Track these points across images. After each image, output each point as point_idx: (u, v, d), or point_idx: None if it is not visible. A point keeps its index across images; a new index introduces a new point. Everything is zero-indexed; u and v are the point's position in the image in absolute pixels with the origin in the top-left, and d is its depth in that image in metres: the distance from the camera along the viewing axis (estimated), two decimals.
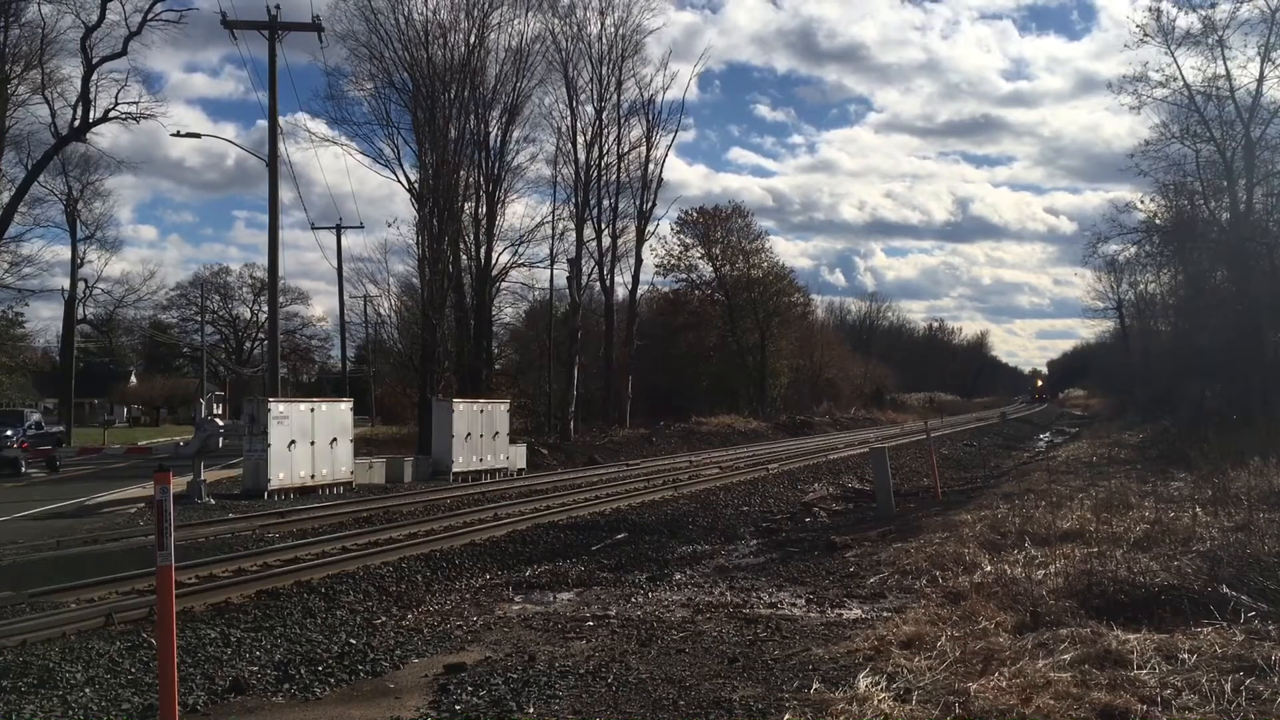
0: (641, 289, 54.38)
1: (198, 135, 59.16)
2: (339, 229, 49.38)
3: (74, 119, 38.41)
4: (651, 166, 49.06)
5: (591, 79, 46.33)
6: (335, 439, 24.77)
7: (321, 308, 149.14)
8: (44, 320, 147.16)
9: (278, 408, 23.40)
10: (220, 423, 23.39)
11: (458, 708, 7.03)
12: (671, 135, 63.13)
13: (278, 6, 28.56)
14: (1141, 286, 61.06)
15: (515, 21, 41.05)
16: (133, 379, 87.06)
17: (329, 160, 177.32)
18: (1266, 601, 8.53)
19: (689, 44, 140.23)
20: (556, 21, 44.09)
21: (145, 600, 10.02)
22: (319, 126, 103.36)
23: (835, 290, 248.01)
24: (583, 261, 45.90)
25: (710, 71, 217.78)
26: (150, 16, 37.43)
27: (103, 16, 37.25)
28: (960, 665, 7.35)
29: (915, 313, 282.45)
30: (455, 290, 39.55)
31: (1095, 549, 11.36)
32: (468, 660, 8.33)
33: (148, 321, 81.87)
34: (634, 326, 51.57)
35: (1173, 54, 32.78)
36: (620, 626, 9.65)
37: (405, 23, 37.53)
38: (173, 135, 72.77)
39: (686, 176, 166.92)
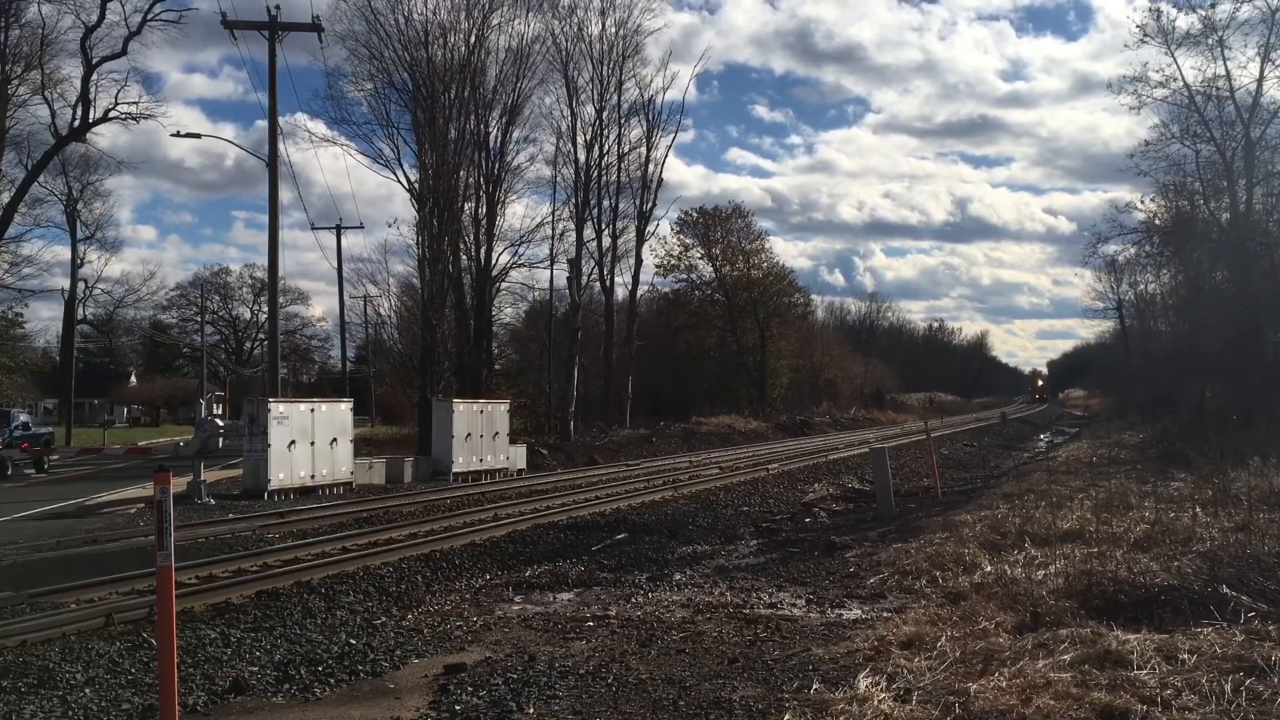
0: (641, 289, 54.49)
1: (198, 135, 59.25)
2: (339, 229, 49.44)
3: (74, 119, 38.40)
4: (651, 167, 49.16)
5: (591, 79, 46.42)
6: (335, 439, 24.77)
7: (321, 308, 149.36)
8: (44, 320, 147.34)
9: (278, 408, 23.40)
10: (220, 423, 23.40)
11: (458, 708, 7.03)
12: (671, 136, 63.28)
13: (278, 7, 28.59)
14: (1141, 287, 61.09)
15: (515, 22, 41.09)
16: (133, 379, 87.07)
17: (328, 161, 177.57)
18: (1266, 601, 8.53)
19: (686, 45, 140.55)
20: (557, 23, 44.20)
21: (145, 600, 10.01)
22: (318, 127, 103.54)
23: (834, 290, 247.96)
24: (583, 262, 45.94)
25: (708, 72, 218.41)
26: (150, 17, 37.37)
27: (102, 17, 37.24)
28: (960, 665, 7.35)
29: (915, 313, 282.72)
30: (455, 290, 39.53)
31: (1095, 549, 11.35)
32: (468, 660, 8.33)
33: (148, 322, 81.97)
34: (634, 326, 51.57)
35: (1173, 54, 32.83)
36: (620, 627, 9.65)
37: (405, 23, 37.57)
38: (173, 135, 72.67)
39: (685, 177, 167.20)
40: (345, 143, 44.80)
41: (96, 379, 78.88)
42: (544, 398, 47.14)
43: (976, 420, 70.32)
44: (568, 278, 45.35)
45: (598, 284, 48.94)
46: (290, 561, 13.24)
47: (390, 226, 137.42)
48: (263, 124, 30.88)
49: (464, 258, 40.14)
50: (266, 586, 11.44)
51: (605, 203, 47.75)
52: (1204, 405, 37.64)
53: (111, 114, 38.19)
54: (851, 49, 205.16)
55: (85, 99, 37.90)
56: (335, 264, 50.52)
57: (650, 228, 50.88)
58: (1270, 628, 7.83)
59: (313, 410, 24.54)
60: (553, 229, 44.15)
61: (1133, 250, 42.34)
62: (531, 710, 6.96)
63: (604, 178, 47.24)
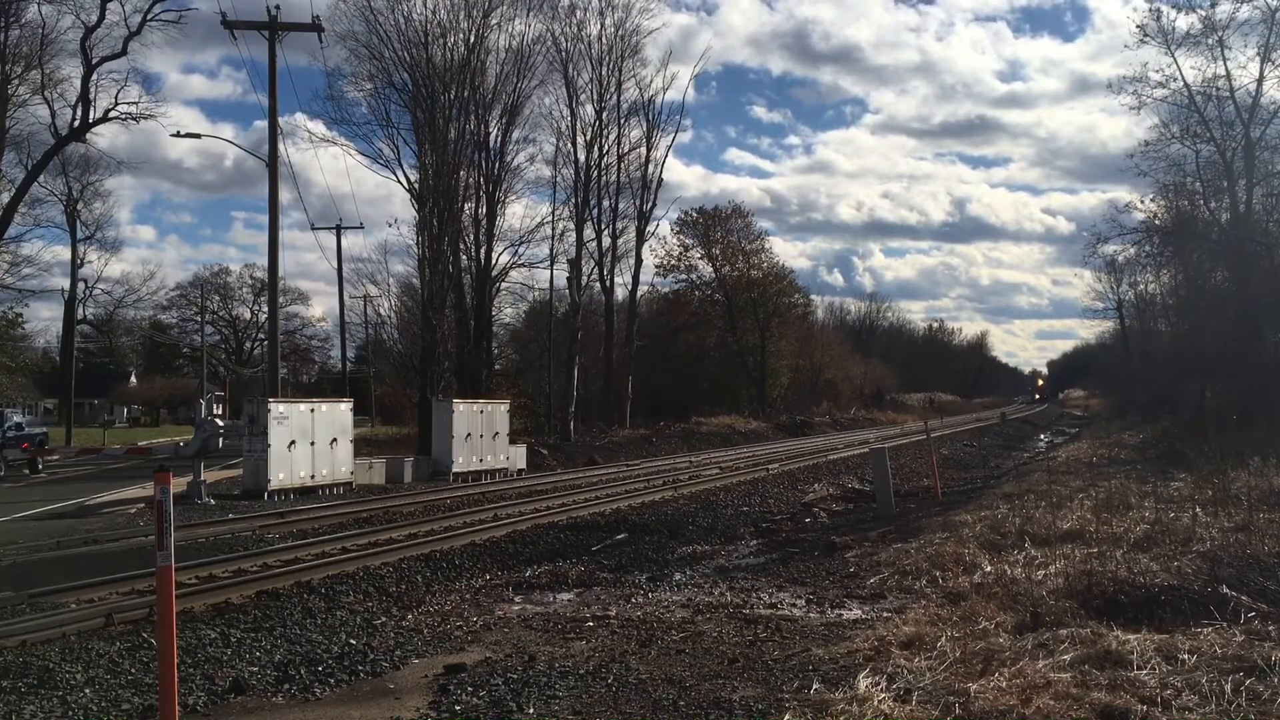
0: (641, 289, 54.48)
1: (198, 135, 59.34)
2: (339, 229, 49.44)
3: (74, 119, 38.41)
4: (651, 167, 49.15)
5: (591, 79, 46.41)
6: (335, 439, 24.77)
7: (321, 308, 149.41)
8: (44, 321, 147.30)
9: (278, 408, 23.40)
10: (220, 423, 23.39)
11: (458, 708, 7.03)
12: (671, 136, 63.23)
13: (278, 7, 28.58)
14: (1141, 287, 61.06)
15: (515, 22, 41.11)
16: (133, 379, 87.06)
17: (327, 161, 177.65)
18: (1266, 601, 8.53)
19: (684, 45, 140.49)
20: (556, 23, 44.19)
21: (145, 600, 10.01)
22: (317, 127, 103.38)
23: (834, 290, 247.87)
24: (583, 262, 45.93)
25: (706, 73, 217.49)
26: (150, 17, 37.42)
27: (102, 17, 37.25)
28: (960, 666, 7.35)
29: (914, 313, 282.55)
30: (455, 290, 39.54)
31: (1095, 549, 11.35)
32: (468, 661, 8.33)
33: (147, 322, 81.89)
34: (634, 327, 51.57)
35: (1173, 54, 32.82)
36: (620, 627, 9.65)
37: (405, 23, 37.60)
38: (173, 135, 72.72)
39: (684, 178, 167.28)
40: (345, 143, 44.90)
41: (96, 379, 78.89)
42: (544, 398, 47.14)
43: (976, 420, 70.31)
44: (568, 278, 45.41)
45: (598, 284, 49.01)
46: (290, 561, 13.25)
47: (390, 226, 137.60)
48: (261, 124, 30.88)
49: (464, 258, 40.19)
50: (266, 586, 11.44)
51: (605, 203, 47.82)
52: (1204, 405, 37.60)
53: (111, 114, 38.25)
54: (849, 50, 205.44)
55: (85, 99, 37.94)
56: (335, 264, 50.61)
57: (650, 228, 50.97)
58: (1270, 628, 7.83)
59: (313, 410, 24.54)
60: (553, 229, 44.24)
61: (1132, 250, 42.37)
62: (531, 710, 6.96)
63: (604, 178, 47.30)
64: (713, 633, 9.27)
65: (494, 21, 39.51)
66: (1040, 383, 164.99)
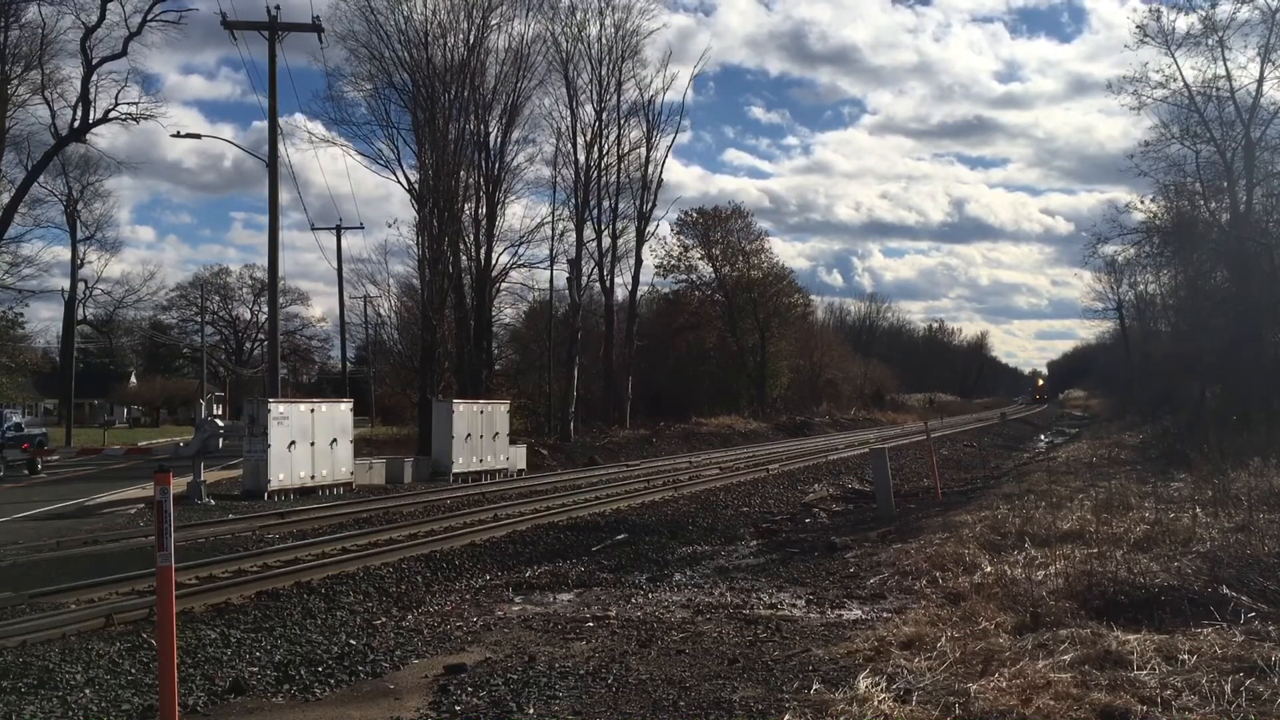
0: (641, 290, 54.46)
1: (198, 136, 59.38)
2: (339, 229, 49.38)
3: (74, 120, 38.39)
4: (651, 167, 49.12)
5: (591, 80, 46.39)
6: (335, 440, 24.76)
7: (321, 308, 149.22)
8: (44, 321, 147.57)
9: (278, 408, 23.39)
10: (220, 423, 23.38)
11: (458, 708, 7.03)
12: (671, 136, 63.20)
13: (278, 7, 28.56)
14: (1141, 287, 61.09)
15: (515, 22, 41.10)
16: (133, 379, 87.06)
17: (327, 161, 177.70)
18: (1266, 602, 8.53)
19: (682, 46, 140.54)
20: (557, 23, 44.18)
21: (145, 601, 10.02)
22: (317, 128, 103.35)
23: (833, 291, 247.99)
24: (583, 262, 45.94)
25: (704, 73, 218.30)
26: (150, 17, 37.41)
27: (102, 17, 37.23)
28: (960, 666, 7.35)
29: (914, 313, 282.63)
30: (455, 291, 39.54)
31: (1095, 550, 11.35)
32: (468, 661, 8.33)
33: (147, 322, 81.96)
34: (634, 327, 51.56)
35: (1173, 54, 32.83)
36: (620, 627, 9.65)
37: (405, 23, 37.60)
38: (173, 136, 72.58)
39: (682, 178, 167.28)
40: (344, 143, 44.92)
41: (96, 379, 78.88)
42: (544, 398, 47.12)
43: (976, 421, 70.30)
44: (568, 278, 45.41)
45: (598, 284, 48.99)
46: (290, 562, 13.24)
47: (390, 227, 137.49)
48: (260, 125, 30.88)
49: (464, 258, 40.19)
50: (266, 587, 11.44)
51: (605, 203, 47.79)
52: (1204, 406, 37.60)
53: (111, 114, 38.23)
54: (846, 50, 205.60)
55: (85, 99, 37.93)
56: (335, 264, 50.57)
57: (650, 228, 50.94)
58: (1270, 628, 7.83)
59: (313, 411, 24.54)
60: (552, 229, 44.23)
61: (1132, 251, 42.39)
62: (531, 711, 6.96)
63: (604, 178, 47.27)
64: (713, 633, 9.27)
65: (494, 22, 39.56)
66: (1040, 383, 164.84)
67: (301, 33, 30.08)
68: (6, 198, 39.68)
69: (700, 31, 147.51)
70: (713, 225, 67.99)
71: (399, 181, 38.86)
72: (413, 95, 38.08)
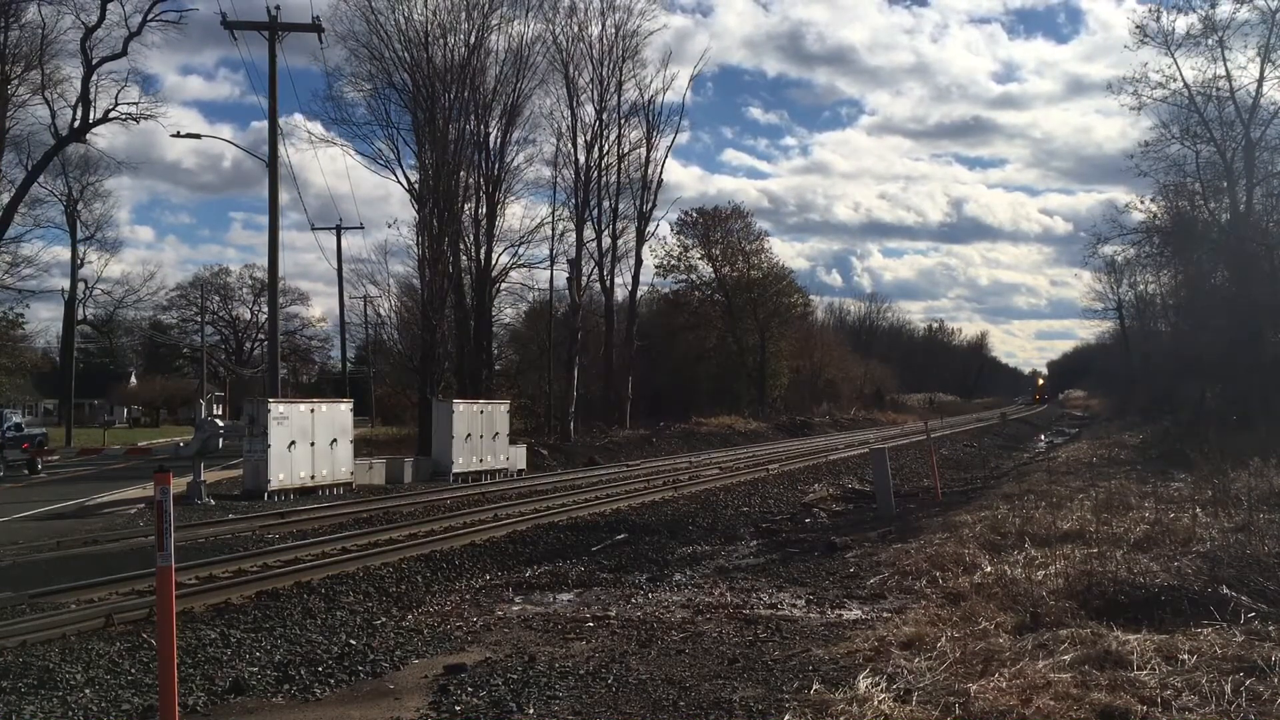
0: (641, 290, 54.48)
1: (198, 136, 59.49)
2: (339, 229, 49.39)
3: (74, 120, 38.45)
4: (651, 168, 49.17)
5: (591, 80, 46.43)
6: (335, 440, 24.76)
7: (321, 308, 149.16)
8: (44, 321, 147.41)
9: (278, 408, 23.39)
10: (220, 423, 23.39)
11: (458, 708, 7.03)
12: (671, 137, 63.16)
13: (278, 7, 28.57)
14: (1141, 287, 61.19)
15: (515, 22, 41.12)
16: (133, 380, 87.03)
17: (326, 162, 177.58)
18: (1266, 602, 8.53)
19: (680, 47, 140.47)
20: (557, 23, 44.20)
21: (145, 601, 10.01)
22: (316, 128, 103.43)
23: (832, 291, 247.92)
24: (583, 262, 45.95)
25: (702, 74, 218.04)
26: (150, 17, 37.46)
27: (102, 17, 37.28)
28: (960, 666, 7.35)
29: (913, 313, 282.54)
30: (455, 291, 39.54)
31: (1095, 550, 11.35)
32: (468, 661, 8.33)
33: (147, 322, 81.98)
34: (634, 327, 51.56)
35: (1173, 55, 32.90)
36: (620, 627, 9.65)
37: (405, 23, 37.60)
38: (173, 136, 72.62)
39: (681, 178, 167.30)
40: (343, 143, 44.98)
41: (96, 379, 78.84)
42: (544, 398, 47.13)
43: (976, 421, 70.32)
44: (568, 278, 45.39)
45: (598, 284, 49.04)
46: (290, 562, 13.24)
47: (390, 227, 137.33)
48: (259, 125, 30.88)
49: (464, 258, 40.21)
50: (266, 587, 11.44)
51: (605, 203, 47.84)
52: (1204, 405, 37.60)
53: (111, 114, 38.30)
54: (843, 51, 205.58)
55: (85, 99, 37.98)
56: (335, 264, 50.55)
57: (650, 228, 50.98)
58: (1270, 628, 7.83)
59: (313, 411, 24.53)
60: (552, 229, 44.25)
61: (1132, 251, 42.44)
62: (531, 711, 6.96)
63: (604, 178, 47.30)
64: (713, 633, 9.27)
65: (494, 22, 39.60)
66: (1040, 383, 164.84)
67: (301, 33, 30.10)
68: (6, 198, 39.76)
69: (698, 32, 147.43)
70: (712, 225, 68.01)
71: (399, 181, 38.96)
72: (413, 95, 38.12)
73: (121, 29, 37.56)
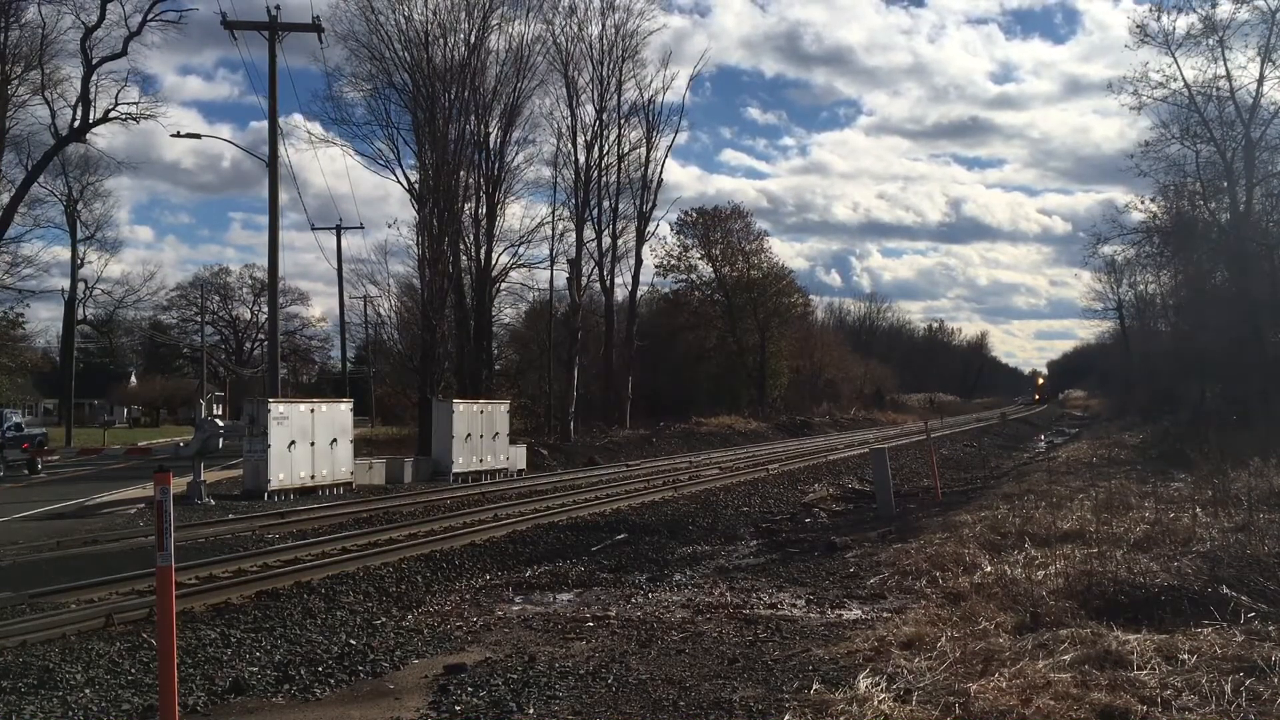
0: (641, 289, 54.48)
1: (198, 136, 59.38)
2: (339, 229, 49.35)
3: (74, 120, 38.42)
4: (651, 168, 49.18)
5: (591, 80, 46.44)
6: (335, 439, 24.76)
7: (321, 308, 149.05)
8: (44, 321, 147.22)
9: (278, 408, 23.39)
10: (220, 423, 23.39)
11: (458, 708, 7.03)
12: (671, 137, 63.14)
13: (278, 7, 28.56)
14: (1141, 287, 61.17)
15: (515, 22, 41.12)
16: (133, 379, 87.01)
17: (325, 162, 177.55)
18: (1266, 602, 8.53)
19: (678, 47, 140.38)
20: (557, 23, 44.20)
21: (145, 601, 10.01)
22: (316, 128, 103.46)
23: (832, 291, 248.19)
24: (582, 262, 45.95)
25: (701, 75, 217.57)
26: (150, 17, 37.45)
27: (102, 17, 37.27)
28: (960, 666, 7.35)
29: (913, 313, 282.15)
30: (455, 291, 39.53)
31: (1095, 550, 11.35)
32: (468, 661, 8.33)
33: (147, 322, 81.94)
34: (634, 327, 51.55)
35: (1173, 54, 32.86)
36: (620, 627, 9.65)
37: (405, 23, 37.59)
38: (172, 136, 72.44)
39: (680, 178, 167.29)
40: (343, 143, 44.99)
41: (96, 379, 78.81)
42: (544, 398, 47.12)
43: (976, 421, 70.31)
44: (568, 278, 45.40)
45: (598, 284, 49.04)
46: (290, 562, 13.24)
47: (390, 227, 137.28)
48: (258, 125, 30.87)
49: (464, 258, 40.20)
50: (266, 587, 11.44)
51: (605, 203, 47.84)
52: (1204, 405, 37.63)
53: (111, 114, 38.27)
54: (841, 52, 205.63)
55: (85, 99, 37.96)
56: (334, 264, 50.48)
57: (650, 228, 50.99)
58: (1270, 628, 7.83)
59: (312, 411, 24.53)
60: (552, 229, 44.25)
61: (1132, 251, 42.45)
62: (531, 710, 6.96)
63: (604, 178, 47.31)
64: (713, 633, 9.27)
65: (494, 22, 39.58)
66: (1040, 383, 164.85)
67: (301, 33, 30.08)
68: (6, 198, 39.72)
69: (696, 33, 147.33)
70: (712, 225, 68.01)
71: (399, 181, 38.94)
72: (413, 95, 38.11)
73: (121, 29, 37.59)
